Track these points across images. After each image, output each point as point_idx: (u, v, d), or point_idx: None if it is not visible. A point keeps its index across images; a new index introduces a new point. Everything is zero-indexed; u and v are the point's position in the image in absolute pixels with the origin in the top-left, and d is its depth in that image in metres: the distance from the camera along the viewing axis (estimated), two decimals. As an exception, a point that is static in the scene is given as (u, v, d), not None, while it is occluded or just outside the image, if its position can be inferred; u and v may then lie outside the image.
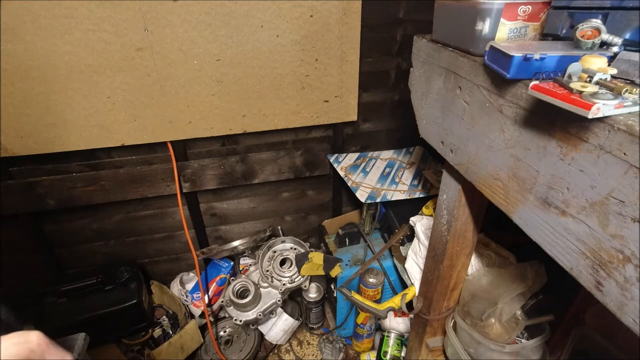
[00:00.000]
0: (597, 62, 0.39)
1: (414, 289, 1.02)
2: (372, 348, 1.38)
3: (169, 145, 1.21)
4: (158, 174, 1.24)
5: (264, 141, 1.33)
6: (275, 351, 1.42)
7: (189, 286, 1.44)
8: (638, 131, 0.32)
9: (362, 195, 1.18)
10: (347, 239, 1.36)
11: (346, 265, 1.28)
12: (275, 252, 1.38)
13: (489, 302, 0.82)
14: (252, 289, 1.22)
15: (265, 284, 1.27)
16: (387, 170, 1.34)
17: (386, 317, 1.02)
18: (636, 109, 0.34)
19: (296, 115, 1.25)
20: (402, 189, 1.23)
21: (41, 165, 1.15)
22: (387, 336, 1.29)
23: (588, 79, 0.37)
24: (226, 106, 1.17)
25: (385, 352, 1.27)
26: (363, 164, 1.36)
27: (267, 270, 1.32)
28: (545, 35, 0.54)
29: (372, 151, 1.46)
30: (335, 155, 1.39)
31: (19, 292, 1.20)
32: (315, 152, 1.36)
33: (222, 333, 1.41)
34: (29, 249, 1.25)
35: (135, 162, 1.23)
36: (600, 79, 0.37)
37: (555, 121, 0.42)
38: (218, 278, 1.43)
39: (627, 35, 0.43)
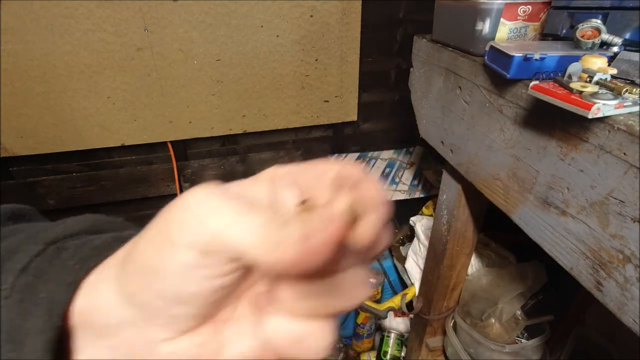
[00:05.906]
0: (597, 62, 0.39)
1: (414, 289, 1.02)
2: (372, 348, 1.38)
3: (169, 145, 1.21)
4: (158, 174, 1.24)
5: (264, 141, 1.33)
6: (275, 351, 1.42)
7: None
8: (638, 131, 0.32)
9: (362, 195, 1.18)
10: (347, 239, 1.36)
11: (346, 265, 1.28)
12: (275, 252, 1.38)
13: (489, 302, 0.82)
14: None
15: (265, 284, 1.27)
16: (387, 170, 1.34)
17: (386, 317, 1.02)
18: (636, 109, 0.34)
19: (296, 115, 1.25)
20: (402, 189, 1.23)
21: (41, 165, 1.15)
22: (387, 336, 1.29)
23: (588, 79, 0.37)
24: (226, 106, 1.17)
25: (386, 352, 1.27)
26: (363, 164, 1.36)
27: (267, 270, 1.31)
28: (545, 35, 0.54)
29: (372, 151, 1.46)
30: (335, 155, 1.39)
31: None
32: (315, 152, 1.36)
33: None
34: (29, 249, 1.24)
35: (135, 162, 1.23)
36: (600, 79, 0.37)
37: (555, 121, 0.42)
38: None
39: (627, 35, 0.43)
